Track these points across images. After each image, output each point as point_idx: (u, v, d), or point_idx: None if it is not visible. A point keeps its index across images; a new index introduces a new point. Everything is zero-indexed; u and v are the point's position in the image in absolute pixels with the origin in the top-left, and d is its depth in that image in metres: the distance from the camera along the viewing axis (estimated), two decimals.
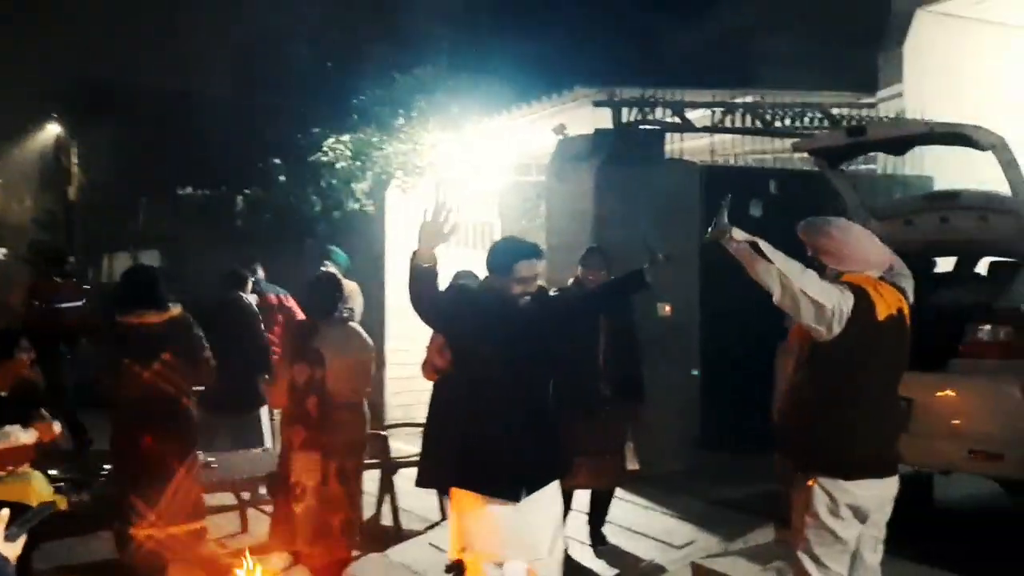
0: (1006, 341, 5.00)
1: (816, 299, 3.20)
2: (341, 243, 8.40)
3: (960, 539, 5.39)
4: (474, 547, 3.63)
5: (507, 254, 3.69)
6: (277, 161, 9.92)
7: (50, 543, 4.98)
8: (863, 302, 3.27)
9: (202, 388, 5.08)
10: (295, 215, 10.09)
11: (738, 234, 3.24)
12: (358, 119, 9.60)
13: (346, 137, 9.58)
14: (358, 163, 9.63)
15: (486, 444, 3.61)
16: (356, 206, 9.96)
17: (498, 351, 3.55)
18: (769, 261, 3.18)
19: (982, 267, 6.25)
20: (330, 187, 9.85)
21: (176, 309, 4.76)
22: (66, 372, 8.16)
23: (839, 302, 3.23)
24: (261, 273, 7.66)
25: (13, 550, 2.22)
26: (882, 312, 3.30)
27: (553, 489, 3.71)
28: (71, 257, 9.55)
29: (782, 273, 3.18)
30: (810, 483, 3.33)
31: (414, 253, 3.46)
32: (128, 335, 4.65)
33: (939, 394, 5.16)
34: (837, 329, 3.23)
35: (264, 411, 6.82)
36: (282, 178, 9.93)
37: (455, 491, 3.79)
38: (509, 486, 3.58)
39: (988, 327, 5.05)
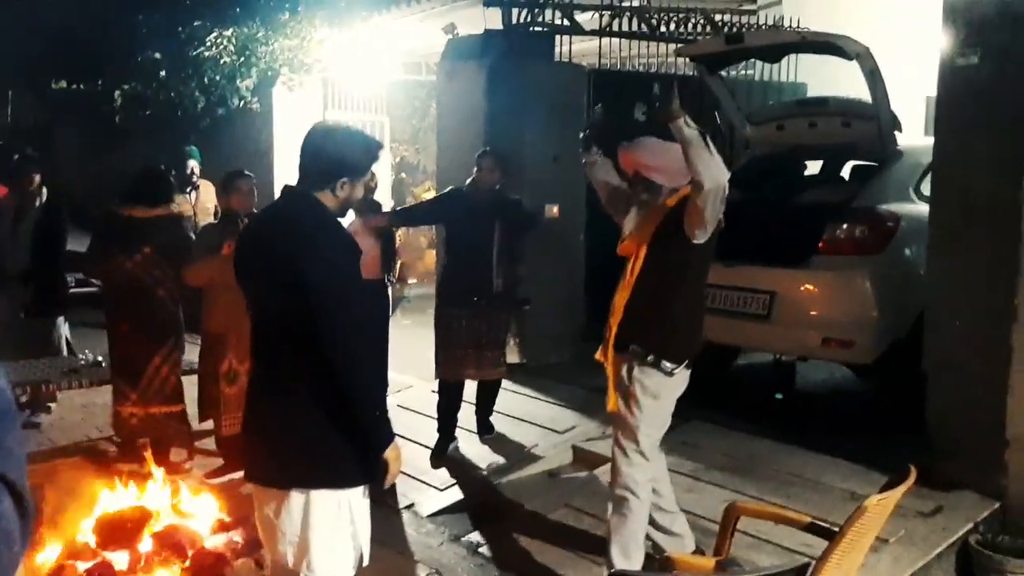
0: (860, 238, 5.40)
1: (726, 195, 3.37)
2: (226, 141, 8.23)
3: (818, 417, 5.94)
4: None
5: None
6: (157, 55, 9.52)
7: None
8: None
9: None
10: (177, 112, 9.77)
11: (689, 120, 3.29)
12: (241, 12, 9.28)
13: (229, 31, 9.26)
14: (242, 59, 9.36)
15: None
16: (241, 103, 9.73)
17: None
18: (711, 152, 3.27)
19: (847, 171, 6.67)
20: (213, 83, 9.57)
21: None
22: None
23: None
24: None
25: None
26: None
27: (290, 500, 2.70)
28: None
29: (719, 164, 3.30)
30: (657, 370, 3.55)
31: None
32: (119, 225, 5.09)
33: (799, 287, 5.58)
34: (710, 230, 3.46)
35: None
36: (163, 73, 9.56)
37: None
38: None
39: (845, 225, 5.44)
